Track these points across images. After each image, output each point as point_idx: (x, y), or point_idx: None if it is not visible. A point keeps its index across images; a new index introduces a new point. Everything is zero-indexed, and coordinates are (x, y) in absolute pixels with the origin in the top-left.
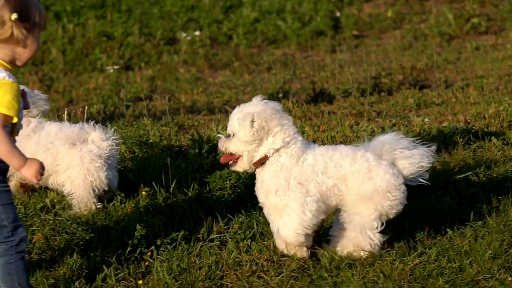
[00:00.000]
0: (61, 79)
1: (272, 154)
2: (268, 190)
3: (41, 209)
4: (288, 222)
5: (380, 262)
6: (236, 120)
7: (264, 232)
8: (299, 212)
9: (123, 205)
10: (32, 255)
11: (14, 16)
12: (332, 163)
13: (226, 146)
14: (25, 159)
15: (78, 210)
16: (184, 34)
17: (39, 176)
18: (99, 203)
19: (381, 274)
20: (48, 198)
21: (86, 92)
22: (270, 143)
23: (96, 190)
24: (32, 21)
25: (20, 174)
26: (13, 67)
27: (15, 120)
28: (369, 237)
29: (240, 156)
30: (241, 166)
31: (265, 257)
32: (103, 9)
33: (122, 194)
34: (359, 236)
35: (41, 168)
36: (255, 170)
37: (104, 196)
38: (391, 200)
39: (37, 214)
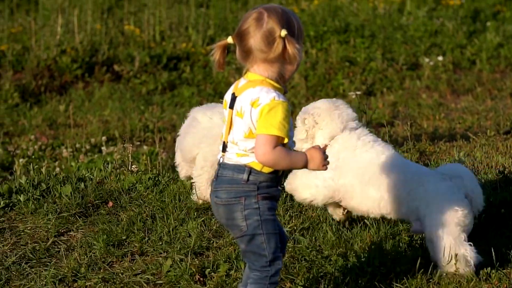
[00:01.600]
0: (303, 105)
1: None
2: None
3: None
4: None
5: None
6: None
7: (503, 259)
8: None
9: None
10: None
11: (284, 32)
12: None
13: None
14: (304, 156)
15: None
16: (427, 59)
17: (324, 162)
18: None
19: None
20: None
21: None
22: (319, 138)
23: None
24: (296, 34)
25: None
26: (280, 85)
27: (285, 140)
28: None
29: None
30: None
31: (505, 285)
32: (346, 34)
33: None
34: None
35: (322, 152)
36: None
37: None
38: None
39: None
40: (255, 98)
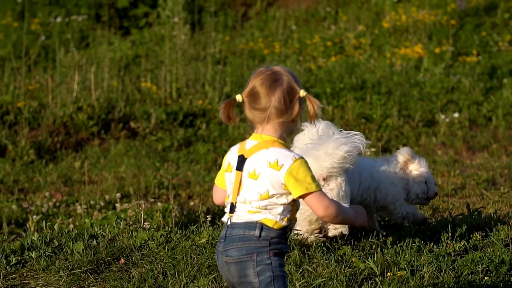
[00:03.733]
0: None
1: None
2: None
3: None
4: None
5: None
6: None
7: None
8: None
9: None
10: None
11: (303, 92)
12: None
13: None
14: (352, 210)
15: None
16: (443, 116)
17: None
18: None
19: None
20: None
21: None
22: None
23: None
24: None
25: None
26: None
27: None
28: None
29: None
30: None
31: None
32: (363, 91)
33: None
34: None
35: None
36: None
37: None
38: None
39: None
40: (273, 160)
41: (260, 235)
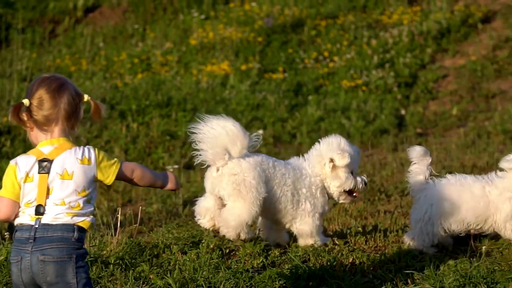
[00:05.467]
0: None
1: None
2: None
3: None
4: None
5: None
6: None
7: None
8: None
9: None
10: None
11: (87, 96)
12: None
13: None
14: (161, 175)
15: None
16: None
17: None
18: None
19: None
20: None
21: (146, 191)
22: None
23: None
24: None
25: None
26: None
27: None
28: None
29: None
30: None
31: None
32: (168, 107)
33: None
34: None
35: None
36: None
37: None
38: None
39: None
40: (81, 157)
41: (78, 237)
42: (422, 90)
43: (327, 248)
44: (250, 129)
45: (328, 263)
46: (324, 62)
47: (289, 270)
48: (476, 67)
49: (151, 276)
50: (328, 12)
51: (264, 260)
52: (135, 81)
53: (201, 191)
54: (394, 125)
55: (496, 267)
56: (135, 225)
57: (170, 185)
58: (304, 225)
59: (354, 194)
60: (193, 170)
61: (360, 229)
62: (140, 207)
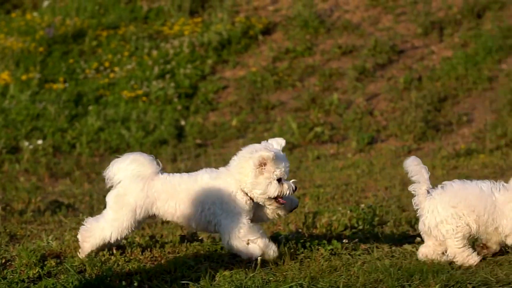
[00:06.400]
0: None
1: None
2: None
3: None
4: None
5: None
6: None
7: None
8: None
9: None
10: None
11: None
12: None
13: None
14: None
15: None
16: (27, 143)
17: None
18: None
19: None
20: None
21: None
22: None
23: None
24: None
25: None
26: None
27: None
28: None
29: None
30: None
31: None
32: None
33: None
34: None
35: None
36: None
37: None
38: None
39: None
40: None
41: None
42: (202, 101)
43: (103, 259)
44: (30, 139)
45: (104, 274)
46: (105, 73)
47: (64, 280)
48: (256, 78)
49: None
50: (109, 22)
51: (40, 271)
52: None
53: None
54: (174, 135)
55: (271, 278)
56: None
57: None
58: None
59: (280, 201)
60: None
61: (137, 239)
62: None
